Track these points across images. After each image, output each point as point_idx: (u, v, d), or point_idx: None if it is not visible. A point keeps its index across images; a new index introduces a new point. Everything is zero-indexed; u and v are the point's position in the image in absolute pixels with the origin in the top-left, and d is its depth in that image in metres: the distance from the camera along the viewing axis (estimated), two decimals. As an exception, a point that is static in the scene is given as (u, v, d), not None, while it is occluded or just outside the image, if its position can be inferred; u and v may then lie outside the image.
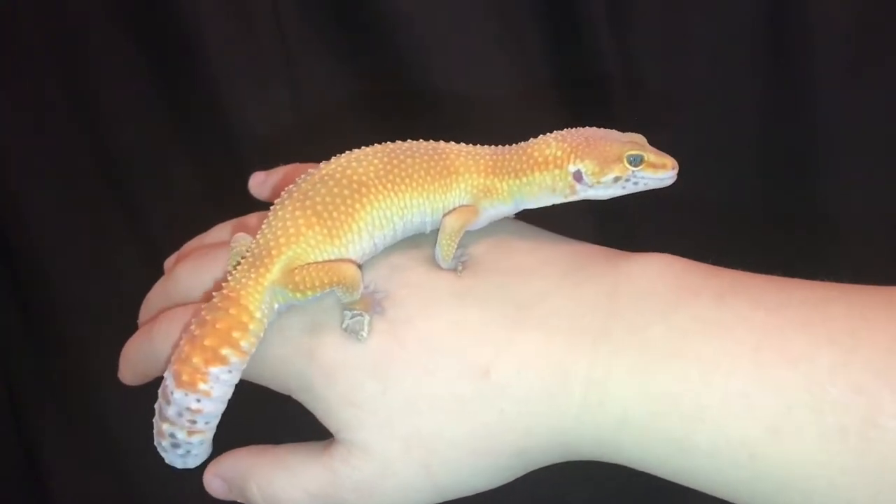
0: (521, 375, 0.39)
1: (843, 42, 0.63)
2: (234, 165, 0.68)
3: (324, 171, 0.43)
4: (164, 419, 0.41)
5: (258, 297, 0.41)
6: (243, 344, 0.41)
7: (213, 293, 0.42)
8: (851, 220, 0.66)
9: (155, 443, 0.42)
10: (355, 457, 0.41)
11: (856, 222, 0.65)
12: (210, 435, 0.42)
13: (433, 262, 0.43)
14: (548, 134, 0.44)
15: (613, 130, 0.44)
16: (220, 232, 0.50)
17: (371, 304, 0.41)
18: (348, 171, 0.43)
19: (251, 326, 0.41)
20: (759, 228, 0.68)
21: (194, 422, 0.40)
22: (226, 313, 0.41)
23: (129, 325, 0.49)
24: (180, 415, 0.40)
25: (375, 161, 0.43)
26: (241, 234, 0.45)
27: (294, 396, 0.43)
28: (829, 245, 0.66)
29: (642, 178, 0.43)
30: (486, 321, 0.41)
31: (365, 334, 0.41)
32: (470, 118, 0.68)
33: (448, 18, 0.68)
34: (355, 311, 0.41)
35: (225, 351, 0.40)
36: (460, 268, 0.43)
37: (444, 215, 0.44)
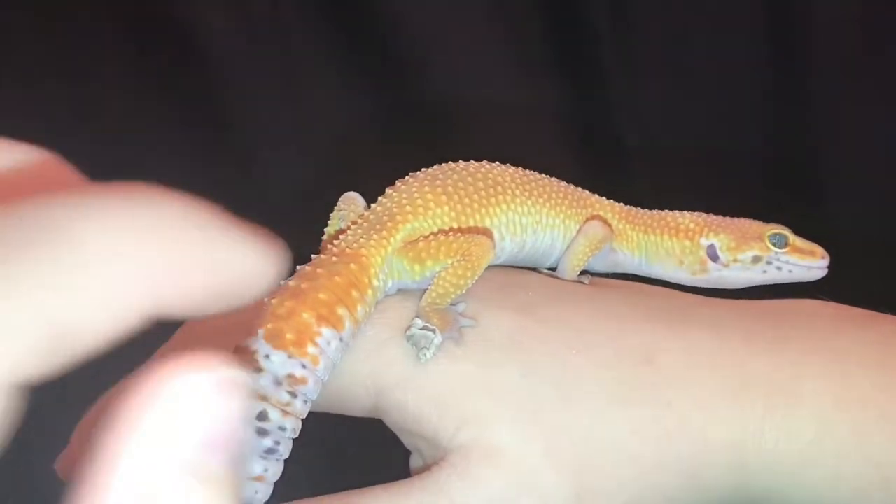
0: (691, 366, 0.33)
1: (844, 40, 0.63)
2: (234, 164, 0.68)
3: (449, 165, 0.38)
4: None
5: (381, 259, 0.35)
6: (359, 309, 0.33)
7: (320, 255, 0.35)
8: (853, 217, 0.66)
9: None
10: (479, 466, 0.32)
11: (858, 219, 0.66)
12: (287, 444, 0.32)
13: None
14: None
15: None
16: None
17: (451, 323, 0.34)
18: (482, 169, 0.38)
19: (369, 292, 0.34)
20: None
21: (294, 395, 0.31)
22: (346, 267, 0.34)
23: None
24: (278, 384, 0.31)
25: (509, 168, 0.39)
26: (352, 194, 0.40)
27: (376, 407, 0.35)
28: (830, 242, 0.66)
29: (787, 262, 0.40)
30: (640, 314, 0.35)
31: (429, 355, 0.34)
32: (469, 118, 0.68)
33: (447, 19, 0.68)
34: (428, 324, 0.34)
35: (341, 311, 0.32)
36: (587, 280, 0.39)
37: (587, 219, 0.40)
